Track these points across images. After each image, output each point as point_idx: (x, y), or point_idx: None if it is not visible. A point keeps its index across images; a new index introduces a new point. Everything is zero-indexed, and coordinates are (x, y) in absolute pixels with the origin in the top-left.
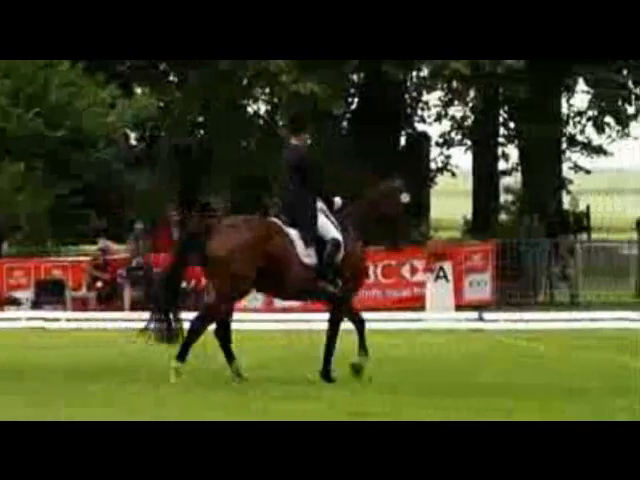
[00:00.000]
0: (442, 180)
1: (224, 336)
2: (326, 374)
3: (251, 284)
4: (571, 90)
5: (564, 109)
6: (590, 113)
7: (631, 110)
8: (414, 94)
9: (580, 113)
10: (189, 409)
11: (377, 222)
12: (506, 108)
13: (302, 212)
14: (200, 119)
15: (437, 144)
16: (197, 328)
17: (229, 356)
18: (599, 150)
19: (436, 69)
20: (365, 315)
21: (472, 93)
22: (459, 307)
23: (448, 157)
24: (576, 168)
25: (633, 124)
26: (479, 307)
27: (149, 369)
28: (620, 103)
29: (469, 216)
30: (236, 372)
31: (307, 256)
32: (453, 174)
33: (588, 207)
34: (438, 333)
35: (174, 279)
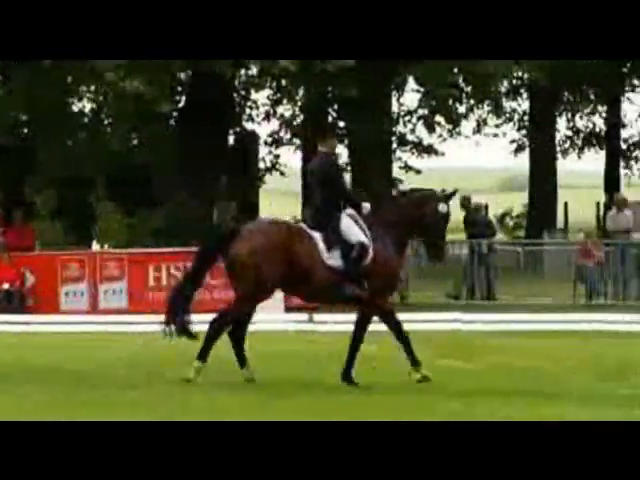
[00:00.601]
0: (271, 180)
1: (239, 340)
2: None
3: (275, 287)
4: (401, 89)
5: (394, 108)
6: (421, 112)
7: (462, 109)
8: (243, 92)
9: (410, 112)
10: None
11: (410, 230)
12: (336, 107)
13: (325, 216)
14: (24, 117)
15: (266, 143)
16: (217, 328)
17: (241, 361)
18: (429, 149)
19: (265, 67)
20: (194, 317)
21: (301, 92)
22: (289, 309)
23: (277, 156)
24: (406, 168)
25: (464, 123)
26: (309, 308)
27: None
28: (451, 102)
29: (299, 216)
30: (248, 378)
31: (331, 258)
32: (282, 173)
33: None
34: (269, 335)
35: (193, 284)
